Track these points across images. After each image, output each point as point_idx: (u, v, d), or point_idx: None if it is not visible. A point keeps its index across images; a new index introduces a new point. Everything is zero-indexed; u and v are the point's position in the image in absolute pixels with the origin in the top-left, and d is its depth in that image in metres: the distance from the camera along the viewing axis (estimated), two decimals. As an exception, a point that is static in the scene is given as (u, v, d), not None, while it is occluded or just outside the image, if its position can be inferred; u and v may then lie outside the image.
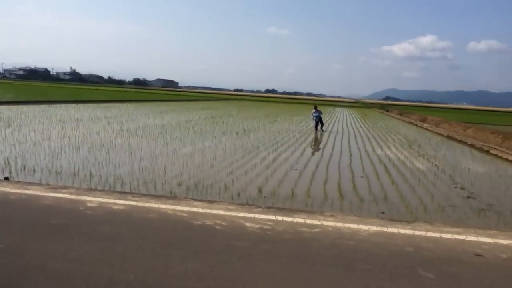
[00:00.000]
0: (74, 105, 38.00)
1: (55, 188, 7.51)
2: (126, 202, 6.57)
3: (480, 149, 20.69)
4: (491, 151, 19.59)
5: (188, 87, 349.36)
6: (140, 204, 6.50)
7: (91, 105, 39.40)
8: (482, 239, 5.60)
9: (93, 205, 6.32)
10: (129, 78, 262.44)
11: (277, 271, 4.14)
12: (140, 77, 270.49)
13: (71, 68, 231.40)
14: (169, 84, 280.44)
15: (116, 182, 9.01)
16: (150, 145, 15.20)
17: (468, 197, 9.80)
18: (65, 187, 7.76)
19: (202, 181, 9.65)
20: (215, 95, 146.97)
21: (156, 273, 3.97)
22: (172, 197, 7.49)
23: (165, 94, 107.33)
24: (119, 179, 9.28)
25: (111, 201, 6.61)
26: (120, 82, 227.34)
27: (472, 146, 22.13)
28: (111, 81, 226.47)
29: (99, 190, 7.68)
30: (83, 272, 3.93)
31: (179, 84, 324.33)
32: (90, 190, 7.57)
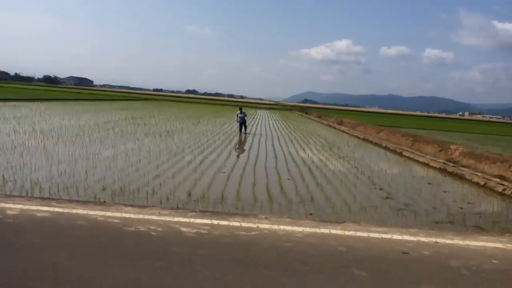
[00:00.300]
0: (-24, 103, 34.88)
1: (-35, 196, 6.84)
2: (51, 209, 6.14)
3: (394, 151, 22.15)
4: (403, 153, 21.06)
5: (104, 85, 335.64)
6: (66, 210, 6.12)
7: (-3, 104, 36.43)
8: (406, 237, 6.01)
9: (14, 212, 5.83)
10: (38, 75, 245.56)
11: (219, 276, 4.11)
12: (51, 74, 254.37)
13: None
14: (83, 82, 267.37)
15: (34, 187, 8.41)
16: (67, 148, 14.40)
17: (386, 197, 10.44)
18: (-22, 194, 7.10)
19: (127, 185, 9.32)
20: (133, 95, 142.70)
21: (94, 283, 3.76)
22: (101, 202, 7.14)
23: (79, 93, 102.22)
24: (36, 184, 8.67)
25: (34, 207, 6.15)
26: (28, 79, 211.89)
27: (386, 148, 23.62)
28: (18, 78, 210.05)
29: (18, 197, 7.11)
30: (13, 285, 3.62)
31: (94, 83, 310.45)
32: (8, 197, 6.98)
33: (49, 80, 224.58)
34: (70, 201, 7.03)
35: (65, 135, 17.76)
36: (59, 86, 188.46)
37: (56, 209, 6.16)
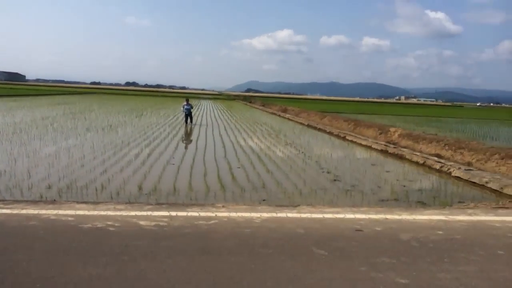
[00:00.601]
0: None
1: None
2: (-2, 211, 5.86)
3: (338, 136, 22.88)
4: (346, 137, 21.81)
5: (37, 80, 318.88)
6: (15, 211, 5.84)
7: None
8: (358, 215, 6.31)
9: (-44, 218, 5.51)
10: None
11: (184, 265, 4.14)
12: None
13: None
14: (14, 77, 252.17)
15: (-28, 190, 7.95)
16: (4, 146, 13.71)
17: (334, 180, 10.84)
18: None
19: (74, 182, 9.06)
20: (70, 89, 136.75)
21: (57, 283, 3.66)
22: (51, 201, 6.88)
23: (11, 88, 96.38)
24: (-26, 187, 8.20)
25: (-22, 211, 5.84)
26: None
27: (330, 133, 24.34)
28: None
29: (-42, 201, 6.71)
30: (-31, 293, 3.46)
31: (26, 77, 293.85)
32: None
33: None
34: (18, 201, 6.72)
35: (1, 133, 16.83)
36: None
37: (5, 211, 5.86)
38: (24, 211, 5.89)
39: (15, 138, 15.77)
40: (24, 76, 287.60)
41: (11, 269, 3.93)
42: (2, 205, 6.20)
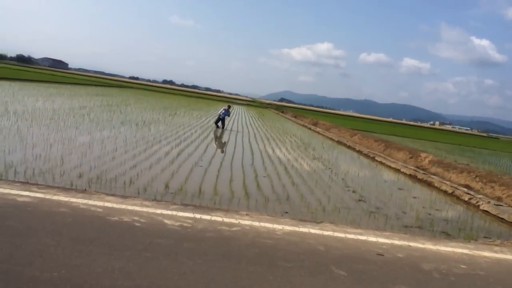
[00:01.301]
0: None
1: None
2: (32, 194, 6.08)
3: (367, 155, 22.64)
4: (376, 158, 21.56)
5: (79, 69, 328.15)
6: (48, 197, 6.07)
7: (-34, 81, 35.28)
8: (381, 240, 6.26)
9: (-7, 196, 5.77)
10: (11, 53, 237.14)
11: (204, 269, 4.22)
12: (25, 53, 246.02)
13: None
14: (58, 64, 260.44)
15: (8, 170, 8.26)
16: (42, 131, 14.15)
17: (359, 200, 10.75)
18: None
19: (104, 174, 9.27)
20: (109, 81, 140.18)
21: (82, 272, 3.80)
22: (82, 190, 7.11)
23: (53, 75, 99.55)
24: (11, 167, 8.52)
25: (14, 192, 6.07)
26: (0, 57, 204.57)
27: (359, 152, 24.11)
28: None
29: (-3, 180, 7.01)
30: (0, 271, 3.62)
31: (69, 66, 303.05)
32: (-14, 180, 6.88)
33: (22, 60, 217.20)
34: (51, 187, 6.96)
35: (39, 118, 17.41)
36: (33, 66, 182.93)
37: (38, 195, 6.10)
38: (55, 197, 6.10)
39: (52, 124, 16.27)
40: (67, 64, 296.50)
41: (40, 253, 4.10)
42: (36, 189, 6.45)
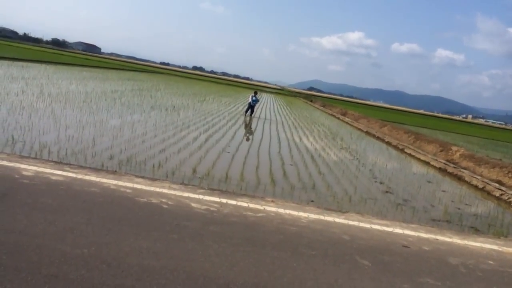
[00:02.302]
0: (-16, 60, 34.82)
1: (-19, 152, 6.98)
2: (64, 173, 6.28)
3: (396, 147, 22.29)
4: (405, 150, 21.20)
5: (111, 54, 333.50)
6: (79, 176, 6.26)
7: (5, 62, 36.37)
8: (407, 232, 6.19)
9: (29, 174, 5.97)
10: (47, 37, 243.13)
11: (229, 252, 4.28)
12: (60, 37, 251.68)
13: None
14: (91, 48, 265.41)
15: (43, 150, 8.53)
16: (75, 113, 14.51)
17: (386, 192, 10.62)
18: (-6, 152, 7.24)
19: (134, 156, 9.45)
20: (140, 66, 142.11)
21: (111, 250, 3.92)
22: (113, 171, 7.28)
23: (86, 59, 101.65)
24: (45, 147, 8.79)
25: (48, 170, 6.28)
26: (36, 41, 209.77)
27: (388, 143, 23.75)
28: (26, 38, 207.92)
29: (33, 158, 7.24)
30: (34, 244, 3.77)
31: (102, 50, 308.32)
32: (23, 158, 7.11)
33: (57, 43, 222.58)
34: (82, 167, 7.16)
35: (73, 100, 17.84)
36: (67, 50, 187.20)
37: (70, 174, 6.30)
38: (87, 177, 6.28)
39: (85, 106, 16.65)
40: (100, 49, 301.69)
41: (71, 229, 4.24)
42: (68, 169, 6.65)
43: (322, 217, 6.22)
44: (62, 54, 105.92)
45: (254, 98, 25.68)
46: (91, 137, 10.82)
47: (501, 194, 12.42)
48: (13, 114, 12.19)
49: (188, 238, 4.48)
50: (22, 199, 4.87)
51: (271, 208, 6.23)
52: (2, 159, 6.56)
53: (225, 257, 4.14)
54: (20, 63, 39.66)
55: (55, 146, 9.14)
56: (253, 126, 21.34)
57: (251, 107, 25.82)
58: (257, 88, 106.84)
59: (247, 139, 16.21)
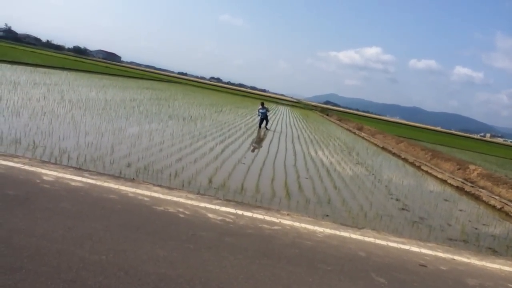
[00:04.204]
0: (8, 65, 35.63)
1: (4, 156, 7.12)
2: (84, 180, 6.39)
3: (412, 164, 22.06)
4: (422, 167, 20.97)
5: (131, 62, 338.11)
6: (99, 183, 6.35)
7: (28, 68, 37.18)
8: (424, 250, 6.12)
9: (49, 179, 6.09)
10: (68, 44, 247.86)
11: (244, 264, 4.29)
12: (81, 45, 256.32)
13: (6, 25, 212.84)
14: (111, 57, 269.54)
15: (62, 155, 8.67)
16: (94, 120, 14.72)
17: (402, 209, 10.50)
18: (16, 156, 7.38)
19: (151, 165, 9.53)
20: (158, 75, 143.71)
21: (128, 257, 3.96)
22: (131, 179, 7.37)
23: (107, 67, 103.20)
24: (65, 153, 8.93)
25: (68, 176, 6.39)
26: (58, 48, 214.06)
27: (405, 160, 23.52)
28: (48, 45, 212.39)
29: (53, 164, 7.38)
30: (53, 249, 3.83)
31: (122, 59, 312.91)
32: (44, 163, 7.25)
33: (79, 51, 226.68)
34: (101, 174, 7.26)
35: (92, 108, 18.10)
36: (88, 57, 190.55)
37: (89, 181, 6.39)
38: (106, 184, 6.37)
39: (104, 114, 16.89)
40: (120, 57, 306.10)
41: (90, 236, 4.30)
42: (87, 175, 6.75)
43: (338, 232, 6.19)
44: (83, 62, 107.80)
45: (262, 110, 25.50)
46: (109, 144, 10.95)
47: (520, 216, 12.18)
48: (34, 119, 12.42)
49: (204, 248, 4.50)
50: (43, 203, 4.97)
51: (287, 222, 6.22)
52: (24, 164, 6.70)
53: (241, 269, 4.14)
54: (43, 70, 40.48)
55: (74, 152, 9.27)
56: (268, 138, 21.36)
57: (262, 119, 25.56)
58: (273, 99, 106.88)
59: (263, 151, 16.22)
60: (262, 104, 26.29)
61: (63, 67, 52.89)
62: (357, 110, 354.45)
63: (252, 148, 16.28)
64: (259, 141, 19.59)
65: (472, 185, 16.65)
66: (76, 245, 4.02)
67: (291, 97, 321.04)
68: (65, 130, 11.68)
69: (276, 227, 5.81)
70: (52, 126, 11.84)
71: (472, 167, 20.21)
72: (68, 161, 8.25)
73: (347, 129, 46.52)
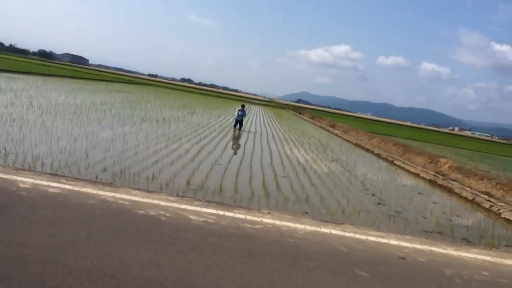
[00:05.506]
0: (-29, 71, 34.50)
1: (-24, 164, 6.93)
2: (61, 186, 6.27)
3: (386, 159, 22.51)
4: (395, 162, 21.42)
5: (99, 65, 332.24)
6: (76, 189, 6.25)
7: (-8, 74, 36.10)
8: (402, 243, 6.29)
9: (26, 186, 5.95)
10: (33, 48, 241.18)
11: (229, 264, 4.31)
12: (47, 49, 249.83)
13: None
14: (79, 60, 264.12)
15: (36, 162, 8.49)
16: (66, 125, 14.45)
17: (378, 203, 10.72)
18: (-12, 164, 7.19)
19: (128, 168, 9.44)
20: (128, 78, 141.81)
21: (113, 261, 3.93)
22: (109, 183, 7.28)
23: (74, 70, 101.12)
24: (38, 159, 8.75)
25: (45, 183, 6.27)
26: (23, 52, 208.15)
27: (378, 155, 23.97)
28: (12, 50, 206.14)
29: (28, 170, 7.22)
30: (36, 257, 3.77)
31: (89, 62, 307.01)
32: (19, 170, 7.08)
33: (44, 55, 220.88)
34: (78, 179, 7.15)
35: (63, 112, 17.75)
36: (54, 61, 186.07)
37: (67, 186, 6.28)
38: (84, 190, 6.28)
39: (75, 118, 16.58)
40: (88, 60, 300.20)
41: (72, 242, 4.24)
42: (64, 181, 6.64)
43: (318, 229, 6.29)
44: (50, 66, 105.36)
45: (240, 112, 25.21)
46: (83, 149, 10.78)
47: (491, 206, 12.61)
48: (3, 126, 12.10)
49: (189, 250, 4.50)
50: (21, 211, 4.86)
51: (268, 220, 6.28)
52: (-2, 171, 6.53)
53: (226, 269, 4.17)
54: (8, 75, 39.35)
55: (48, 158, 9.09)
56: (244, 138, 21.39)
57: (239, 121, 25.31)
58: (245, 100, 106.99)
59: (239, 151, 16.25)
60: (243, 106, 25.94)
61: (29, 72, 51.55)
62: (329, 107, 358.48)
63: (228, 148, 16.28)
64: (234, 141, 19.60)
65: (444, 178, 17.12)
66: (59, 251, 3.97)
67: (264, 97, 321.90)
68: (36, 136, 11.42)
69: (258, 226, 5.86)
70: (22, 133, 11.56)
71: (443, 160, 20.77)
72: (42, 167, 8.08)
73: (321, 127, 47.03)
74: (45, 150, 9.90)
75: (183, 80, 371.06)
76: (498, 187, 15.17)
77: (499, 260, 6.34)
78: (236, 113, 25.60)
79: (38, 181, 6.29)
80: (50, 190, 5.96)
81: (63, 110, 18.61)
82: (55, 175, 7.22)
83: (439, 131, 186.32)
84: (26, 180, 6.24)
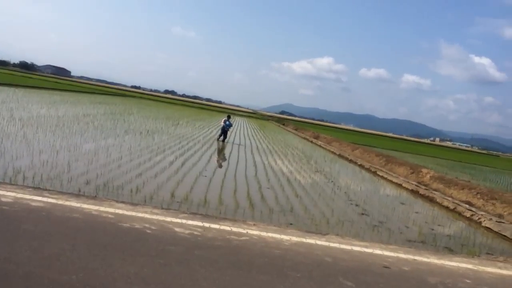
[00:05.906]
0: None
1: (-44, 179, 6.80)
2: (44, 199, 6.19)
3: (369, 170, 22.74)
4: (377, 172, 21.65)
5: (81, 77, 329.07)
6: (60, 202, 6.17)
7: (-29, 86, 35.50)
8: (386, 253, 6.36)
9: (8, 200, 5.86)
10: (14, 60, 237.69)
11: (216, 276, 4.31)
12: (28, 60, 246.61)
13: None
14: (61, 72, 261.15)
15: (17, 175, 8.37)
16: (48, 138, 14.28)
17: (362, 214, 10.83)
18: (-32, 178, 7.06)
19: (111, 181, 9.36)
20: (111, 90, 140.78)
21: (99, 275, 3.90)
22: (93, 197, 7.21)
23: (56, 82, 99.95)
24: (19, 172, 8.62)
25: (27, 196, 6.18)
26: (3, 63, 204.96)
27: (361, 166, 24.21)
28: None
29: (10, 184, 7.11)
30: (21, 272, 3.71)
31: (71, 73, 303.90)
32: (0, 183, 6.97)
33: (26, 67, 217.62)
34: (62, 192, 7.06)
35: (45, 125, 17.54)
36: (36, 73, 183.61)
37: (50, 200, 6.21)
38: (67, 203, 6.21)
39: (57, 131, 16.39)
40: (70, 72, 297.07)
41: (57, 256, 4.20)
42: (47, 194, 6.55)
43: (304, 240, 6.32)
44: (31, 77, 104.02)
45: (227, 123, 24.93)
46: (66, 162, 10.66)
47: (472, 215, 12.84)
48: (-17, 139, 11.91)
49: (175, 262, 4.49)
50: (4, 225, 4.79)
51: (254, 232, 6.29)
52: (-22, 186, 6.42)
53: (213, 281, 4.17)
54: (-13, 87, 38.80)
55: (30, 171, 8.97)
56: (228, 150, 21.39)
57: (224, 132, 25.10)
58: (229, 111, 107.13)
59: (223, 163, 16.24)
60: (229, 117, 25.71)
61: (10, 84, 50.81)
62: (313, 119, 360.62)
63: (212, 160, 16.26)
64: (219, 153, 19.59)
65: (425, 188, 17.37)
66: (44, 266, 3.92)
67: (247, 108, 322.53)
68: (17, 149, 11.26)
69: (243, 238, 5.87)
70: (3, 145, 11.37)
71: (424, 170, 21.08)
72: (24, 181, 7.97)
73: (304, 138, 47.31)
74: (27, 163, 9.76)
75: (166, 91, 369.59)
76: (479, 196, 15.46)
77: (480, 268, 6.46)
78: (222, 123, 25.40)
79: (20, 195, 6.20)
80: (33, 203, 5.88)
81: (45, 122, 18.38)
82: (37, 188, 7.12)
83: (420, 142, 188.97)
84: (7, 194, 6.14)
